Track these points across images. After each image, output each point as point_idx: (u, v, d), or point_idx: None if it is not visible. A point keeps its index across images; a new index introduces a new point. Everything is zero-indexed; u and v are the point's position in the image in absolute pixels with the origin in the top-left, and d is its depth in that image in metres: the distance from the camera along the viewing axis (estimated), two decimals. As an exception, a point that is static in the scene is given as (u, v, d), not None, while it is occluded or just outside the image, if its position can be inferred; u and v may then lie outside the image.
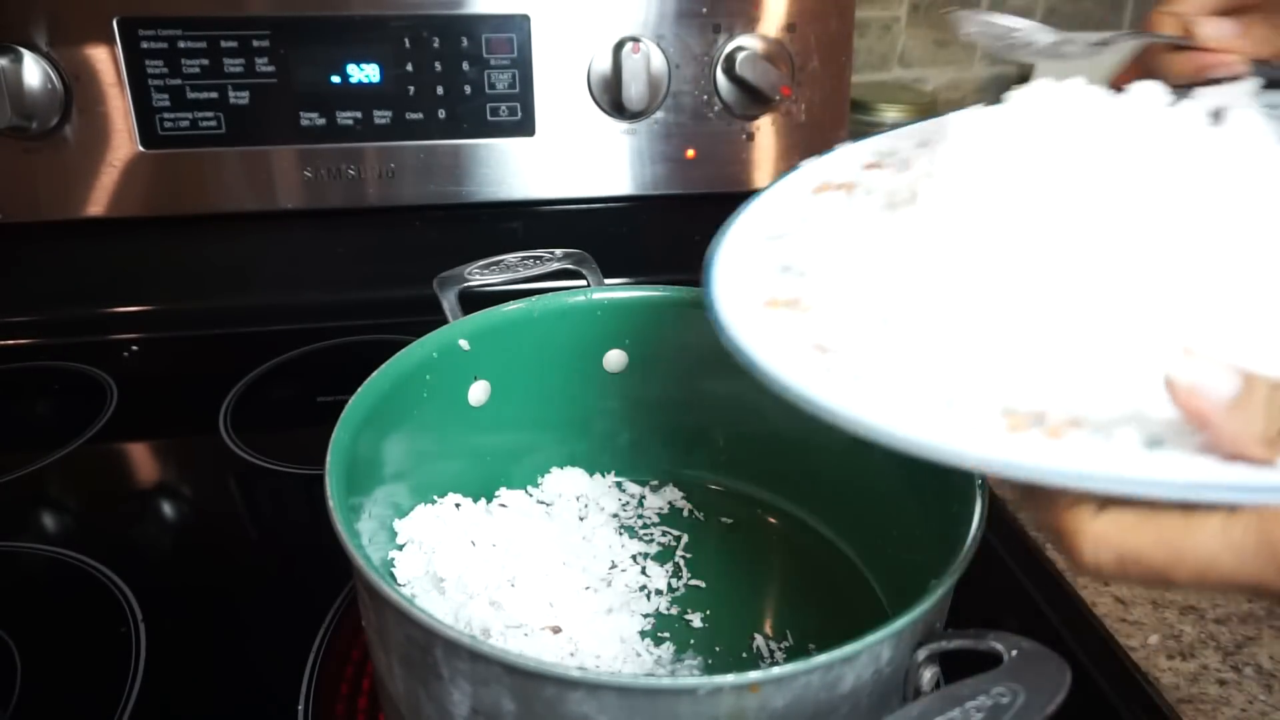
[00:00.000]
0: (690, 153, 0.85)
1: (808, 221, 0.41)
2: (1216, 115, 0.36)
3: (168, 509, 0.64)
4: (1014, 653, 0.31)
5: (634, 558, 0.51)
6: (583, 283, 0.54)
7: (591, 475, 0.56)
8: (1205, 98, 0.37)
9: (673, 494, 0.56)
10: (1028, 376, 0.30)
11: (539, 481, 0.56)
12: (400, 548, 0.47)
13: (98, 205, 0.78)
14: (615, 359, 0.54)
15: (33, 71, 0.72)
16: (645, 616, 0.48)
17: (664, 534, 0.54)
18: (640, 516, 0.55)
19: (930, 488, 0.42)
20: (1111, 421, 0.27)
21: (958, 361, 0.31)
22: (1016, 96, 0.37)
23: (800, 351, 0.32)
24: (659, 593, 0.50)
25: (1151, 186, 0.32)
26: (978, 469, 0.26)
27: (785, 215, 0.42)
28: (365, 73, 0.77)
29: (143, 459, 0.72)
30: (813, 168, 0.45)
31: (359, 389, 0.44)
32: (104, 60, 0.74)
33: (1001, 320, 0.31)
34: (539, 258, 0.54)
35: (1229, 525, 0.25)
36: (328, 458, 0.39)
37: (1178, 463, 0.25)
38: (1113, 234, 0.31)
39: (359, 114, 0.78)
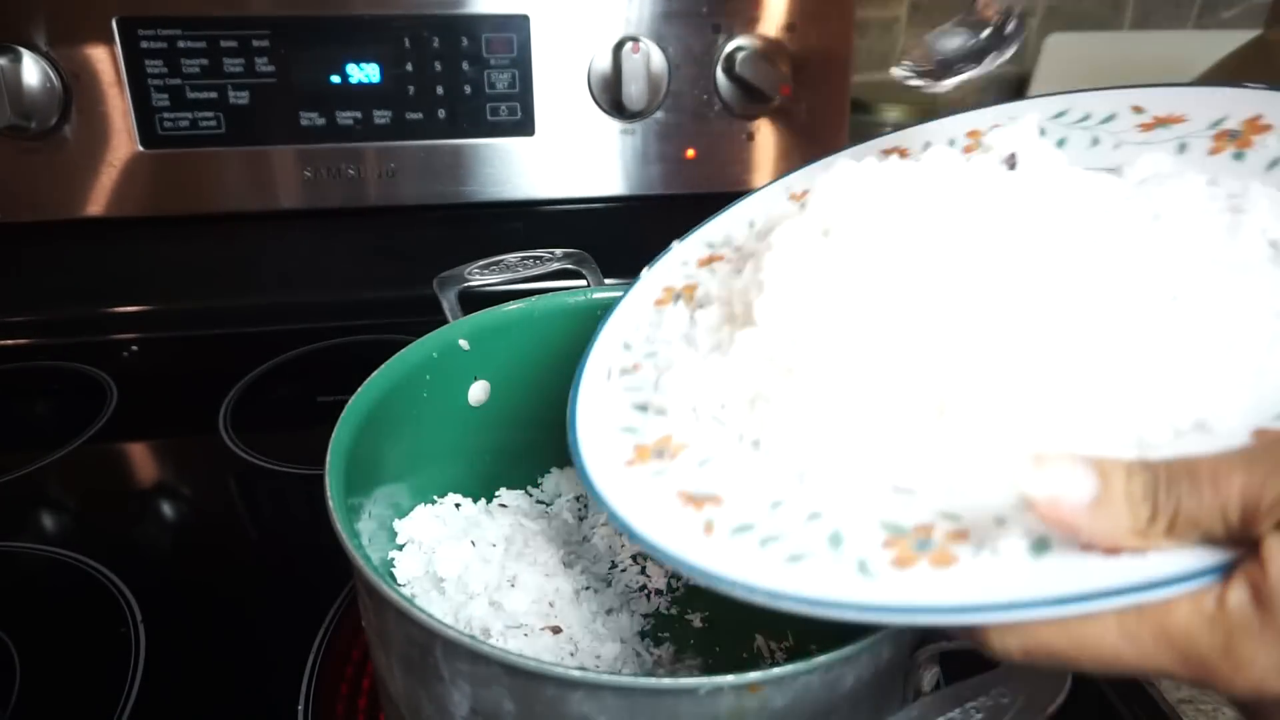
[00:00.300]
0: (690, 153, 0.85)
1: (654, 346, 0.41)
2: (1011, 163, 0.37)
3: (167, 509, 0.64)
4: (1014, 653, 0.31)
5: (634, 558, 0.51)
6: (583, 283, 0.54)
7: (591, 475, 0.56)
8: (997, 144, 0.38)
9: (673, 494, 0.56)
10: (903, 485, 0.30)
11: (539, 481, 0.56)
12: (400, 548, 0.47)
13: (97, 205, 0.78)
14: (615, 359, 0.54)
15: (32, 71, 0.72)
16: (645, 616, 0.48)
17: (664, 534, 0.54)
18: (640, 516, 0.55)
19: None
20: (994, 524, 0.26)
21: (834, 482, 0.31)
22: (820, 186, 0.37)
23: (672, 509, 0.32)
24: (659, 593, 0.50)
25: (975, 260, 0.32)
26: (866, 621, 0.26)
27: (634, 339, 0.42)
28: (365, 72, 0.77)
29: (142, 459, 0.71)
30: (651, 276, 0.45)
31: (359, 389, 0.44)
32: (104, 60, 0.74)
33: (865, 430, 0.31)
34: (539, 258, 0.54)
35: (1123, 618, 0.24)
36: (327, 458, 0.39)
37: (1065, 568, 0.24)
38: (945, 318, 0.31)
39: (359, 114, 0.78)
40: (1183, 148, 0.39)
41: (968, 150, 0.43)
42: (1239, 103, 0.38)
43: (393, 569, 0.46)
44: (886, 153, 0.47)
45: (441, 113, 0.79)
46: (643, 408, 0.38)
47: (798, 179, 0.48)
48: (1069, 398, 0.29)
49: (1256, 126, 0.37)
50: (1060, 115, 0.43)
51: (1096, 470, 0.24)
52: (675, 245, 0.47)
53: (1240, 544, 0.24)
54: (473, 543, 0.47)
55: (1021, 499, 0.24)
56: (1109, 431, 0.29)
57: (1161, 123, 0.40)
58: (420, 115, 0.79)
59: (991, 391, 0.29)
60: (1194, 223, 0.33)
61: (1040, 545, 0.25)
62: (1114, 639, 0.24)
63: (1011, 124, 0.39)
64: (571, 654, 0.44)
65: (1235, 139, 0.37)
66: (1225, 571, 0.23)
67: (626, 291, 0.45)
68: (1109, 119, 0.42)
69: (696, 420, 0.36)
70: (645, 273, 0.46)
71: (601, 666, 0.44)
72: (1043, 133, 0.42)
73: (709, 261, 0.45)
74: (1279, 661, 0.23)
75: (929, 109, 1.02)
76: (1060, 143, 0.42)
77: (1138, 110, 0.42)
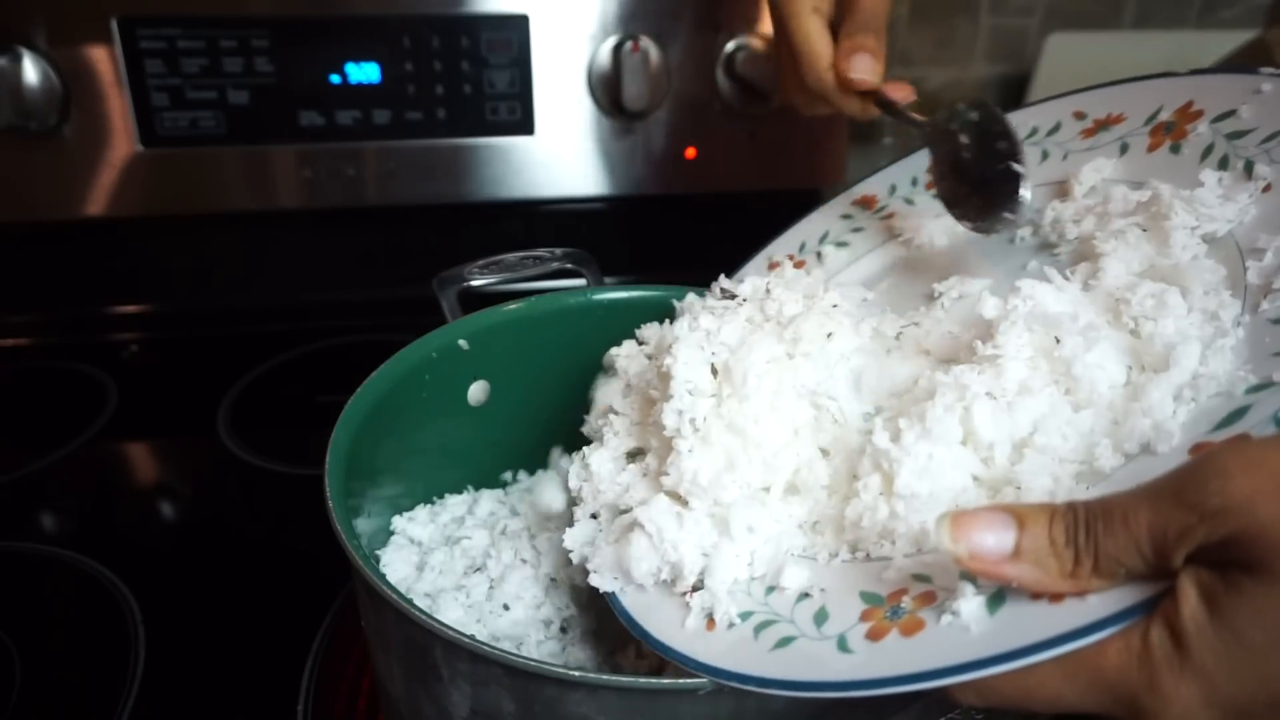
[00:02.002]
0: (690, 152, 0.85)
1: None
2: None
3: (168, 509, 0.64)
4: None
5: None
6: (582, 283, 0.54)
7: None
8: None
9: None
10: (878, 554, 0.32)
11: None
12: (399, 548, 0.47)
13: (97, 205, 0.78)
14: (615, 359, 0.54)
15: (32, 71, 0.72)
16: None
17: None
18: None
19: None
20: (958, 580, 0.28)
21: (821, 561, 0.33)
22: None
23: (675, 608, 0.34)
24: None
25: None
26: (845, 698, 0.28)
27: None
28: (364, 72, 0.77)
29: (143, 459, 0.71)
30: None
31: (359, 389, 0.44)
32: (103, 59, 0.74)
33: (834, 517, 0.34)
34: (539, 258, 0.53)
35: (1063, 664, 0.25)
36: (327, 458, 0.39)
37: (1018, 620, 0.26)
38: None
39: (358, 113, 0.78)
40: (1124, 149, 0.40)
41: (930, 187, 0.46)
42: (1171, 92, 0.39)
43: (384, 568, 0.46)
44: (856, 203, 0.49)
45: (441, 112, 0.79)
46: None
47: (778, 248, 0.50)
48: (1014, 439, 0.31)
49: (1188, 114, 0.38)
50: None
51: (1014, 519, 0.25)
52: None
53: (1166, 576, 0.24)
54: (473, 542, 0.47)
55: (946, 559, 0.26)
56: (1053, 469, 0.30)
57: (1102, 125, 0.41)
58: (420, 115, 0.79)
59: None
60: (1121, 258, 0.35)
61: (996, 599, 0.27)
62: (1056, 683, 0.25)
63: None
64: (565, 648, 0.44)
65: (1170, 131, 0.38)
66: (1150, 608, 0.24)
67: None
68: (1054, 130, 0.43)
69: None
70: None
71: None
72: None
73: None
74: (1200, 694, 0.24)
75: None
76: None
77: (1079, 116, 0.43)
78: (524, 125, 0.81)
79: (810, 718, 0.32)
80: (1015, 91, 1.06)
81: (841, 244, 0.48)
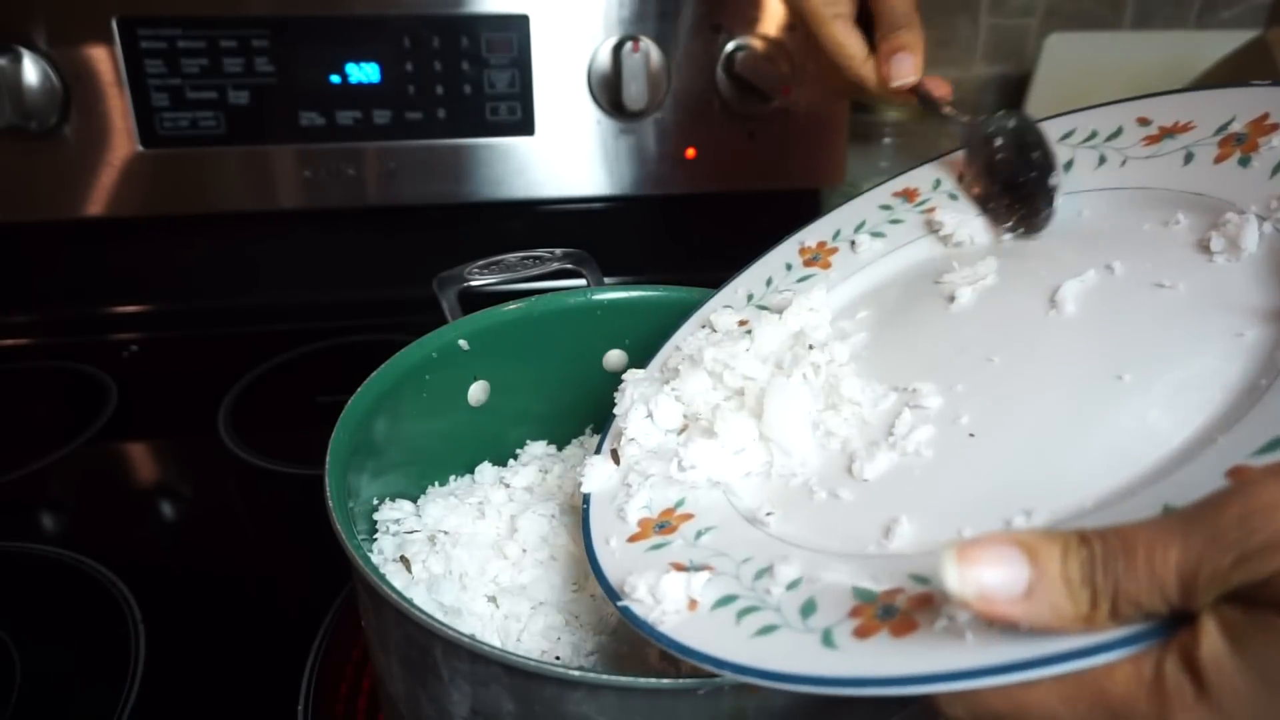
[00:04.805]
0: (690, 152, 0.85)
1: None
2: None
3: (167, 509, 0.64)
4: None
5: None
6: (582, 283, 0.54)
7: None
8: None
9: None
10: (878, 552, 0.31)
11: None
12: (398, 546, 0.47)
13: (97, 205, 0.78)
14: (615, 359, 0.54)
15: (32, 71, 0.72)
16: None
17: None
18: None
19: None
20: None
21: (820, 552, 0.33)
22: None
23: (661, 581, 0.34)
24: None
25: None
26: (823, 694, 0.27)
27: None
28: (365, 72, 0.77)
29: (143, 459, 0.71)
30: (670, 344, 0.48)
31: (358, 389, 0.44)
32: (103, 60, 0.74)
33: (841, 508, 0.34)
34: (539, 258, 0.54)
35: (1063, 684, 0.24)
36: (327, 458, 0.39)
37: (1021, 631, 0.24)
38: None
39: (358, 113, 0.78)
40: (1189, 158, 0.38)
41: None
42: (1245, 102, 0.38)
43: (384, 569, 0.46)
44: (897, 195, 0.49)
45: (441, 112, 0.79)
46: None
47: (810, 234, 0.50)
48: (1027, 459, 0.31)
49: (1263, 127, 0.37)
50: (1067, 136, 0.43)
51: (1026, 553, 0.23)
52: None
53: (1185, 619, 0.23)
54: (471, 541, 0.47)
55: (954, 598, 0.23)
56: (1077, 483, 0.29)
57: (1168, 133, 0.40)
58: (420, 115, 0.79)
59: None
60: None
61: None
62: (1054, 704, 0.24)
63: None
64: (559, 639, 0.44)
65: (1241, 143, 0.37)
66: (1164, 635, 0.23)
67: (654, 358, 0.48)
68: (1115, 135, 0.42)
69: (707, 492, 0.38)
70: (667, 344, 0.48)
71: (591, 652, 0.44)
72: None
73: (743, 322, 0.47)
74: None
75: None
76: (1068, 165, 0.42)
77: (1144, 122, 0.41)
78: (524, 125, 0.81)
79: (810, 717, 0.32)
80: (1015, 91, 1.06)
81: (877, 234, 0.47)
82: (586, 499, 0.41)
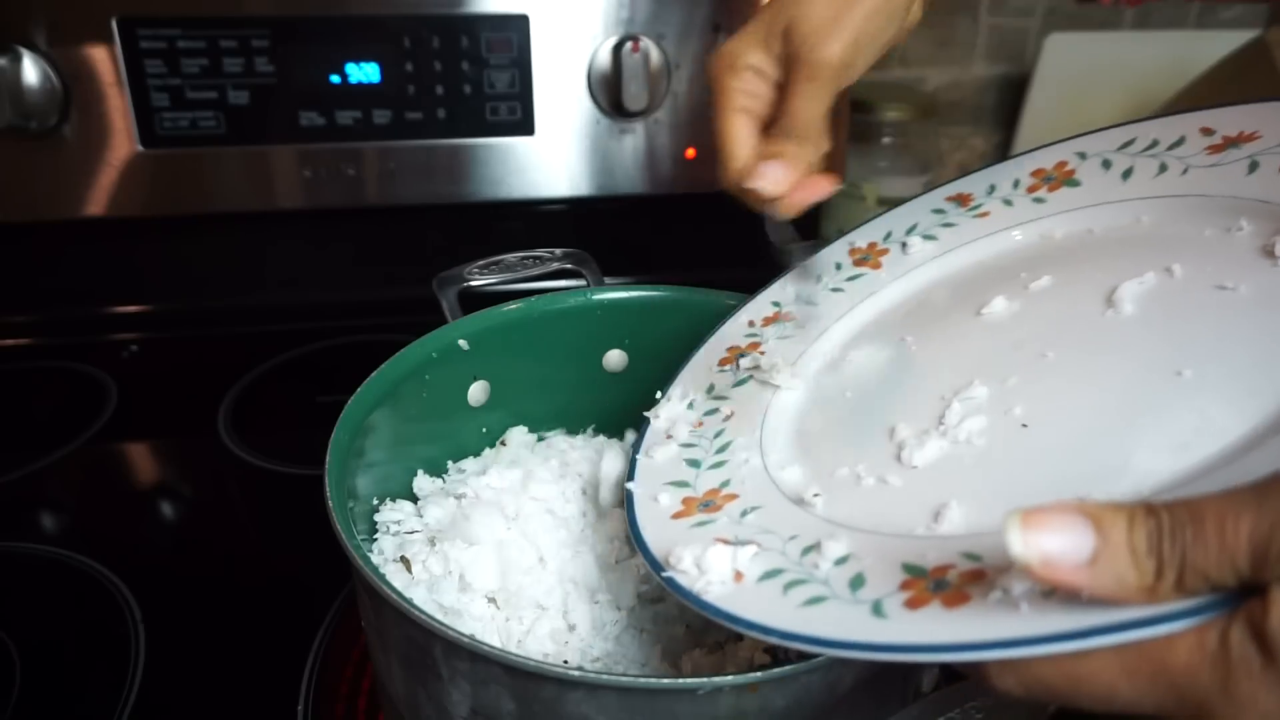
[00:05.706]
0: (690, 152, 0.85)
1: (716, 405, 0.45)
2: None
3: (167, 509, 0.64)
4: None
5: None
6: (582, 283, 0.54)
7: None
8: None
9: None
10: (929, 531, 0.31)
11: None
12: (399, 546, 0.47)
13: (97, 205, 0.78)
14: (615, 359, 0.54)
15: (32, 71, 0.72)
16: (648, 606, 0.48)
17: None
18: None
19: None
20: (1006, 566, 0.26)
21: (869, 528, 0.33)
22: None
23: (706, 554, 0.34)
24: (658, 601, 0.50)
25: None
26: (870, 660, 0.27)
27: (697, 399, 0.46)
28: (364, 72, 0.77)
29: (143, 459, 0.72)
30: (716, 337, 0.49)
31: (358, 389, 0.44)
32: (103, 60, 0.74)
33: (891, 480, 0.34)
34: (538, 258, 0.54)
35: (1123, 654, 0.23)
36: (327, 458, 0.39)
37: (1079, 601, 0.24)
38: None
39: (358, 114, 0.78)
40: (1253, 167, 0.38)
41: (1031, 190, 0.46)
42: None
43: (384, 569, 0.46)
44: (950, 199, 0.49)
45: (441, 112, 0.79)
46: (696, 463, 0.41)
47: (861, 235, 0.50)
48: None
49: None
50: (1127, 145, 0.43)
51: (1092, 522, 0.23)
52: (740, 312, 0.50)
53: (1254, 592, 0.22)
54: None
55: (1016, 563, 0.23)
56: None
57: (1232, 142, 0.40)
58: (420, 115, 0.79)
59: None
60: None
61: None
62: (1111, 676, 0.23)
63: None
64: (566, 642, 0.44)
65: None
66: (1230, 605, 0.23)
67: (697, 349, 0.49)
68: (1177, 144, 0.42)
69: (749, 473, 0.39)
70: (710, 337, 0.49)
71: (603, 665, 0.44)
72: (1107, 165, 0.43)
73: (773, 320, 0.48)
74: (1279, 704, 0.22)
75: (928, 108, 1.01)
76: (1126, 173, 0.42)
77: (1207, 132, 0.41)
78: (524, 125, 0.81)
79: (811, 717, 0.32)
80: (1015, 91, 1.06)
81: (929, 237, 0.47)
82: (632, 468, 0.41)
